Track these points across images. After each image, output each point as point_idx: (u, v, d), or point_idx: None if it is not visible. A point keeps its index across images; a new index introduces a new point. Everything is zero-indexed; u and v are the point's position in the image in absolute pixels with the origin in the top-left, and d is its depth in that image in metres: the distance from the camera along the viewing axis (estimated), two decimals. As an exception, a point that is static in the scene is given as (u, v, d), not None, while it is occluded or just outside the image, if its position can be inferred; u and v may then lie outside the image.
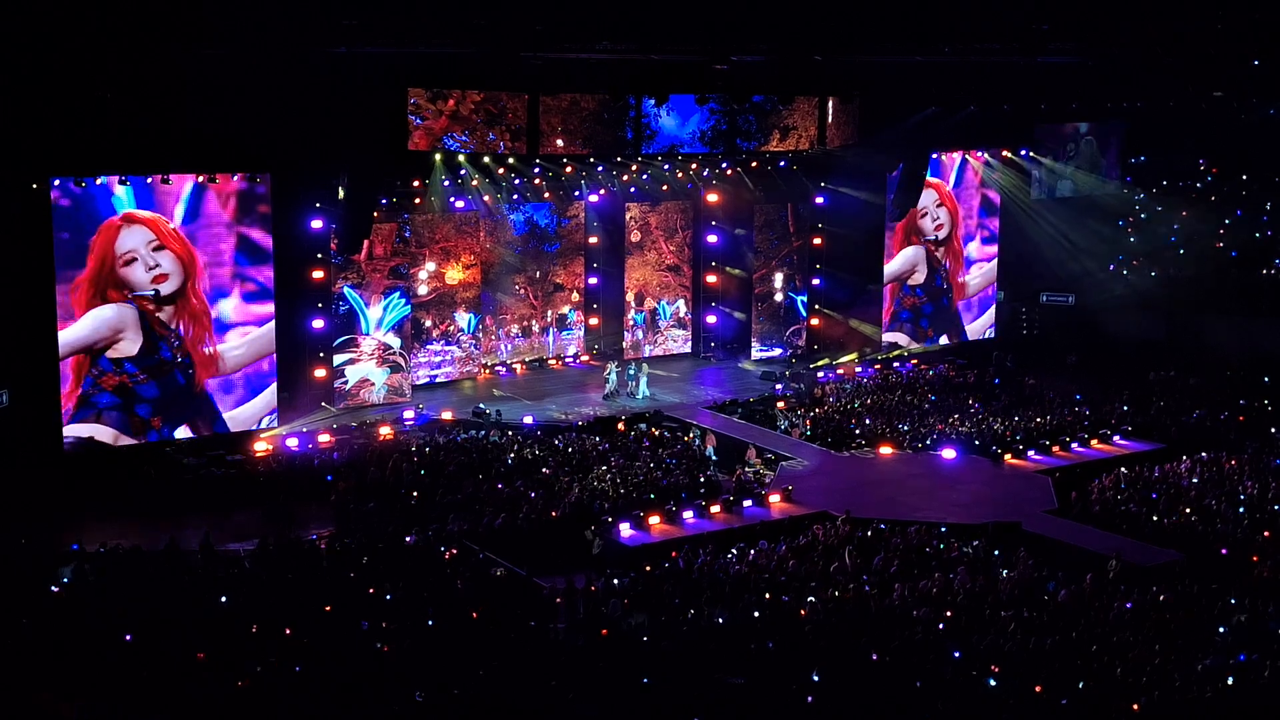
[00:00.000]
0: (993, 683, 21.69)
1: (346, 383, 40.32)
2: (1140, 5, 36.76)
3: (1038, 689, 21.62)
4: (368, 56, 33.82)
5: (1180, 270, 53.31)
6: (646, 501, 31.70)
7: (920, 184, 47.49)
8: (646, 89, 41.14)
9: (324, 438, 36.29)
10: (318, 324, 39.18)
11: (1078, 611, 25.17)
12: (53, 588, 25.35)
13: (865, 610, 25.04)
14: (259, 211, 36.37)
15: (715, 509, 31.68)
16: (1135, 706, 21.15)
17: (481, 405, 39.78)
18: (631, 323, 47.98)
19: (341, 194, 37.69)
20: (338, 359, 40.05)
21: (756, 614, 24.71)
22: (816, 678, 21.67)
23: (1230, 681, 22.02)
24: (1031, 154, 51.06)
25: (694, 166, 45.78)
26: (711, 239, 48.48)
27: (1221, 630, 24.26)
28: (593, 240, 47.89)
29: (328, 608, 24.24)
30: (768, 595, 25.68)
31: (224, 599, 24.60)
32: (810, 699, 21.15)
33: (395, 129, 38.04)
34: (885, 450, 37.27)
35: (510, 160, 41.44)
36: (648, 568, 27.72)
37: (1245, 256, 53.76)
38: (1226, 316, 49.93)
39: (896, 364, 47.06)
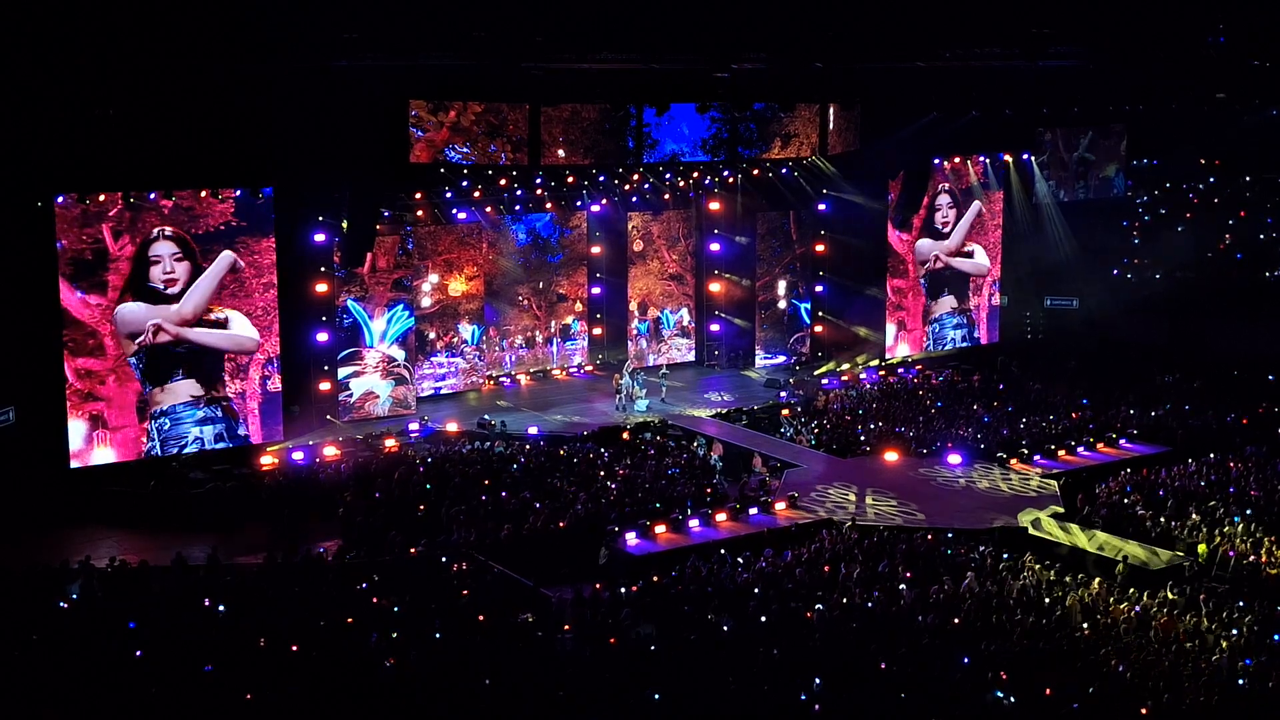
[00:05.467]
0: (1000, 694, 21.62)
1: (351, 396, 40.34)
2: (1141, 8, 36.82)
3: (1048, 692, 21.57)
4: (369, 69, 33.86)
5: (1184, 273, 53.27)
6: (652, 511, 31.67)
7: (923, 189, 47.50)
8: (647, 98, 41.15)
9: (330, 451, 36.28)
10: (322, 337, 39.22)
11: (1085, 615, 25.13)
12: (60, 603, 25.33)
13: (873, 617, 24.99)
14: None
15: (721, 517, 31.66)
16: (1144, 710, 21.10)
17: (487, 416, 39.78)
18: (635, 332, 47.99)
19: (345, 224, 37.83)
20: (342, 372, 40.08)
21: (764, 621, 24.68)
22: (820, 683, 21.62)
23: (1240, 684, 21.96)
24: (1034, 159, 51.10)
25: (695, 175, 45.82)
26: (714, 247, 48.50)
27: (1233, 632, 24.23)
28: (595, 250, 47.90)
29: (335, 621, 24.22)
30: (775, 605, 25.63)
31: (231, 613, 24.55)
32: (817, 707, 21.10)
33: (396, 141, 38.07)
34: (890, 456, 37.24)
35: (512, 171, 41.46)
36: (655, 578, 27.67)
37: (1249, 259, 53.72)
38: (1231, 319, 49.86)
39: (901, 369, 47.03)
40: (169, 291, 35.13)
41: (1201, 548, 28.86)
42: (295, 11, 31.51)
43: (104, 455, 34.52)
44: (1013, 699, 21.45)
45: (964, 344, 49.99)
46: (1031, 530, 31.51)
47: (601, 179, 44.33)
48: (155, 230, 34.80)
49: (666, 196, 46.94)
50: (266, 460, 35.73)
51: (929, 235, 48.71)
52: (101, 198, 33.76)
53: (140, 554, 28.23)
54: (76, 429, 34.22)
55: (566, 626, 24.68)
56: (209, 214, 35.33)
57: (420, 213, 41.88)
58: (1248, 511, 31.02)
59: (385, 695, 21.31)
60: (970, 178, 49.34)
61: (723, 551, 29.20)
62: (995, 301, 51.04)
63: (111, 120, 32.57)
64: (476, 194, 41.94)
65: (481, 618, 24.82)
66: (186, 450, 35.54)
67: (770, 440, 38.96)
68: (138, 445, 34.96)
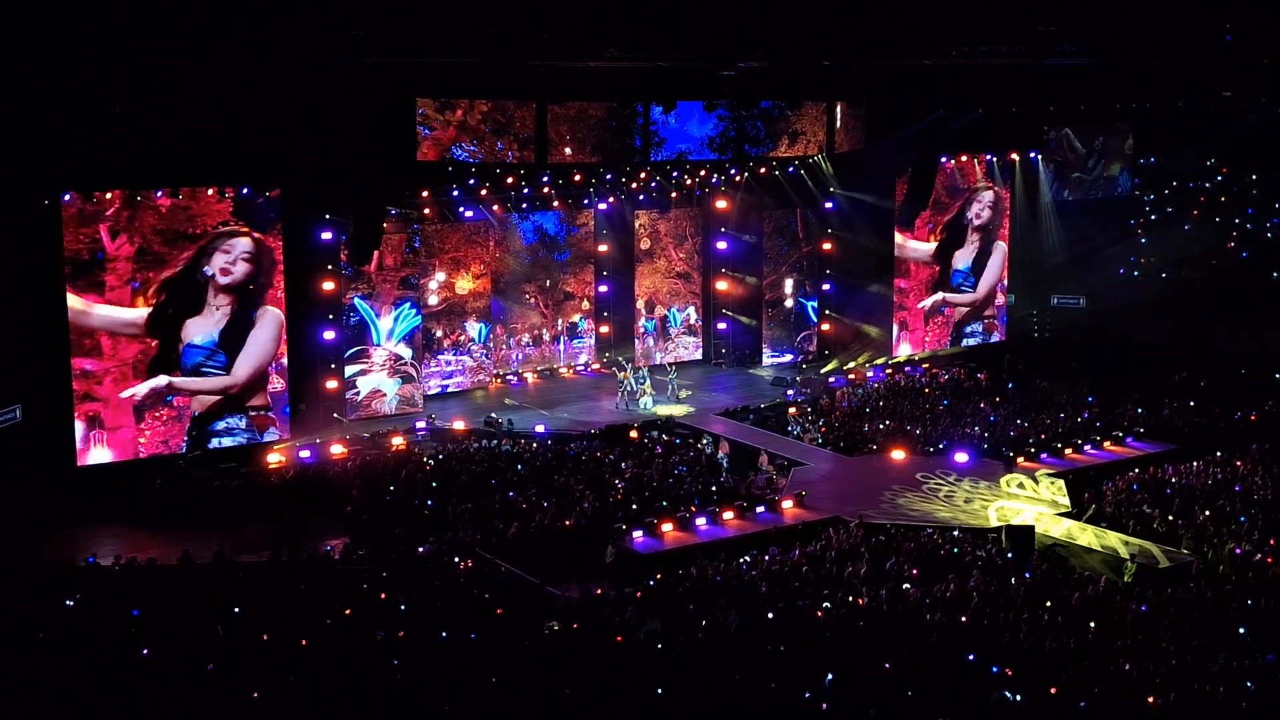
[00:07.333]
0: (1006, 693, 21.60)
1: (358, 394, 40.38)
2: (1148, 6, 36.71)
3: (1053, 690, 21.55)
4: (375, 67, 33.87)
5: (1190, 271, 53.17)
6: (659, 509, 31.68)
7: (930, 187, 47.46)
8: (654, 96, 41.16)
9: (336, 449, 36.33)
10: (329, 335, 39.26)
11: (1092, 614, 25.12)
12: (68, 601, 25.37)
13: (879, 615, 24.98)
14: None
15: (728, 515, 31.67)
16: (1151, 700, 21.08)
17: (493, 414, 39.80)
18: (642, 330, 48.01)
19: (352, 228, 38.07)
20: (349, 370, 40.12)
21: (770, 619, 24.68)
22: (830, 678, 21.62)
23: (1249, 684, 21.92)
24: (1040, 157, 51.13)
25: (703, 173, 45.83)
26: (721, 245, 48.50)
27: (1242, 630, 24.20)
28: (602, 248, 47.92)
29: (341, 619, 24.24)
30: (781, 603, 25.63)
31: (237, 610, 24.58)
32: (825, 705, 21.09)
33: (404, 139, 38.09)
34: (897, 454, 37.23)
35: (519, 169, 41.47)
36: (659, 575, 27.69)
37: (1255, 257, 53.61)
38: (1237, 317, 49.81)
39: (908, 368, 47.01)
40: (222, 281, 35.46)
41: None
42: (302, 10, 31.49)
43: (100, 455, 34.47)
44: (1019, 697, 21.44)
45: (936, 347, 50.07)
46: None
47: (609, 177, 44.35)
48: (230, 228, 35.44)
49: (674, 195, 46.96)
50: (273, 458, 35.80)
51: (955, 237, 49.07)
52: (109, 195, 33.83)
53: (147, 552, 28.27)
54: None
55: (574, 624, 24.68)
56: (207, 213, 35.30)
57: (427, 211, 41.91)
58: (1253, 511, 31.02)
59: (390, 694, 21.34)
60: (976, 176, 49.39)
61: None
62: (999, 301, 51.05)
63: (118, 119, 32.59)
64: (483, 192, 41.98)
65: (496, 614, 24.85)
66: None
67: (777, 438, 38.97)
68: (134, 446, 34.95)
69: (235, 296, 35.81)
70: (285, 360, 37.08)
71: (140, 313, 34.71)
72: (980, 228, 49.83)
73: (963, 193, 49.23)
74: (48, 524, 31.05)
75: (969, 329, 50.33)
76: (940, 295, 48.96)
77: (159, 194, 34.49)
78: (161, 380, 34.90)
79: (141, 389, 34.69)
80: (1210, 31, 38.20)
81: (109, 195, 33.87)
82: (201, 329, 35.47)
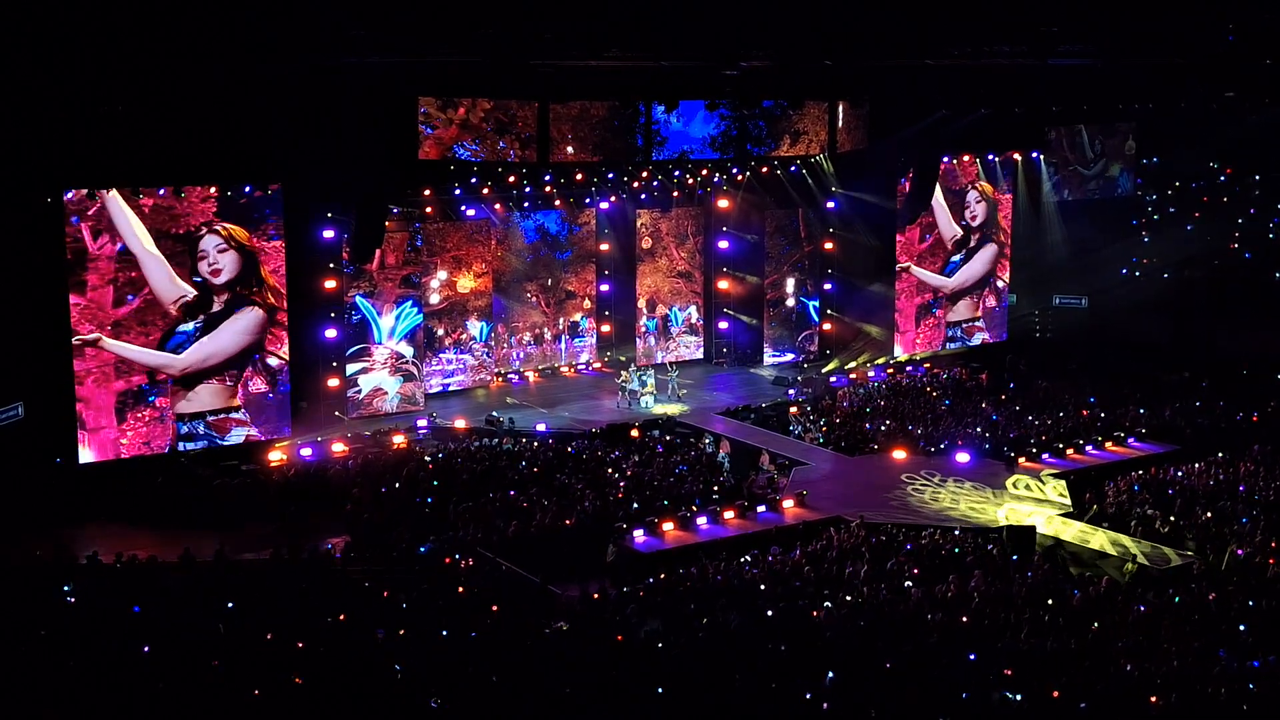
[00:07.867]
0: (1008, 694, 21.58)
1: (360, 392, 40.38)
2: (1149, 6, 36.67)
3: (1055, 695, 21.53)
4: (377, 67, 33.88)
5: (1192, 272, 53.14)
6: (660, 508, 31.67)
7: (931, 187, 47.42)
8: (656, 95, 41.14)
9: (338, 447, 36.34)
10: (330, 333, 39.27)
11: (1093, 614, 25.09)
12: (69, 599, 25.37)
13: (880, 615, 24.96)
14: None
15: (729, 515, 31.65)
16: (1154, 699, 21.08)
17: (494, 413, 39.80)
18: (643, 329, 48.00)
19: (354, 227, 38.16)
20: (350, 368, 40.13)
21: (771, 618, 24.68)
22: (831, 677, 21.61)
23: (1250, 685, 21.90)
24: (1043, 156, 51.12)
25: (704, 172, 45.80)
26: (723, 245, 48.49)
27: (1242, 628, 24.19)
28: (604, 247, 47.92)
29: (342, 616, 24.25)
30: (782, 603, 25.62)
31: (238, 609, 24.58)
32: (825, 705, 21.08)
33: (405, 138, 38.09)
34: (899, 454, 37.21)
35: (521, 168, 41.46)
36: (660, 574, 27.68)
37: (1258, 258, 53.57)
38: (1240, 318, 49.78)
39: (909, 368, 46.99)
40: (216, 282, 35.53)
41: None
42: (302, 10, 31.49)
43: (83, 455, 34.31)
44: (1019, 697, 21.43)
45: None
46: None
47: (610, 176, 44.33)
48: (201, 224, 35.20)
49: (675, 194, 46.95)
50: (275, 456, 35.80)
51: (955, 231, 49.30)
52: (112, 193, 33.82)
53: (148, 550, 28.28)
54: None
55: (578, 624, 24.68)
56: (191, 213, 35.18)
57: (429, 209, 41.92)
58: (1255, 512, 30.99)
59: (390, 693, 21.34)
60: (972, 176, 49.36)
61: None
62: (990, 303, 51.00)
63: (121, 116, 32.59)
64: (485, 191, 42.00)
65: (493, 612, 24.85)
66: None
67: (778, 438, 38.95)
68: (116, 447, 34.79)
69: (232, 292, 35.92)
70: (271, 360, 36.94)
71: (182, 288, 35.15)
72: (980, 226, 49.91)
73: (957, 194, 49.16)
74: (48, 521, 31.04)
75: (950, 332, 50.16)
76: (908, 263, 48.76)
77: (161, 192, 34.49)
78: (91, 335, 34.19)
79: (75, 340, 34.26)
80: (1212, 31, 38.11)
81: (112, 193, 33.84)
82: (197, 317, 35.61)
